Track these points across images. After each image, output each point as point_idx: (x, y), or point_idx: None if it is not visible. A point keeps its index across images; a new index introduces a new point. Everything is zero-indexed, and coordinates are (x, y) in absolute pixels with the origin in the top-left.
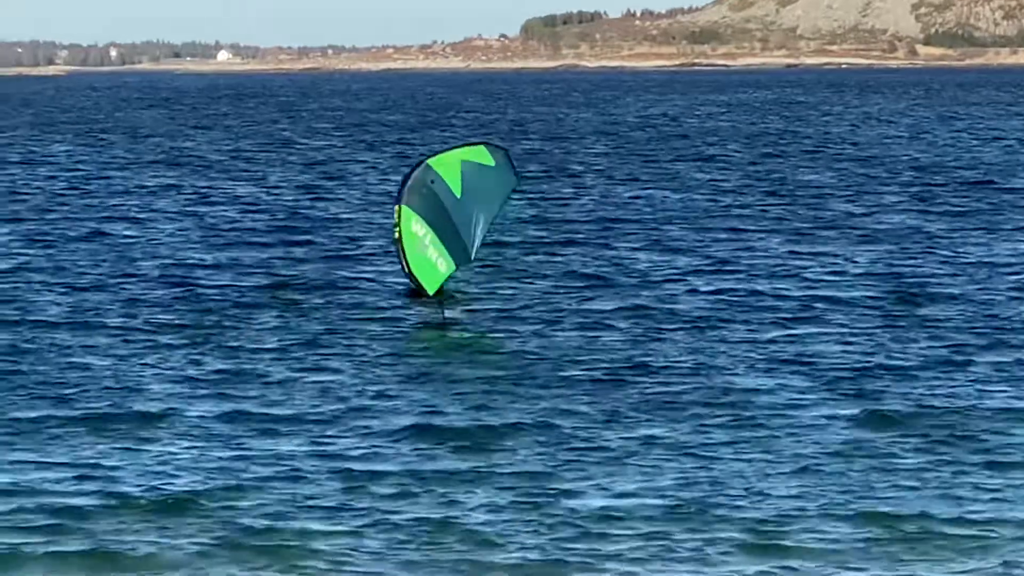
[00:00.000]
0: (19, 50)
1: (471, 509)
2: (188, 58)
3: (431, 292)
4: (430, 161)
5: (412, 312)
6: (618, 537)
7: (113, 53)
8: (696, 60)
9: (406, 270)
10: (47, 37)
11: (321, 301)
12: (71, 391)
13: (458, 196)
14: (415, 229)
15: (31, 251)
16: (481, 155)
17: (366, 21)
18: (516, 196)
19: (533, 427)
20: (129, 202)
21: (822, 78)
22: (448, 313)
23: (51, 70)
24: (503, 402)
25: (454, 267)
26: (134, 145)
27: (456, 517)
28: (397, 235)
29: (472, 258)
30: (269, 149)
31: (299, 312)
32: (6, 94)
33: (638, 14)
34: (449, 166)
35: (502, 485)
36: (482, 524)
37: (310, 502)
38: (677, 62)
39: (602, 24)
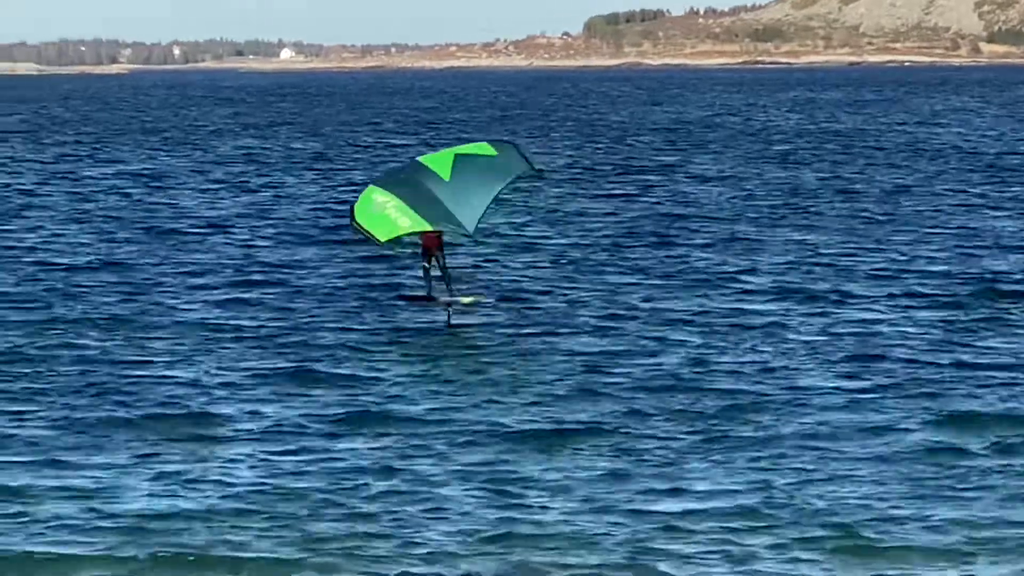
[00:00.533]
0: (83, 48)
1: (543, 511)
2: (251, 56)
3: (382, 240)
4: (421, 158)
5: (478, 312)
6: (692, 538)
7: (176, 51)
8: (759, 58)
9: (352, 225)
10: (110, 36)
11: (386, 300)
12: (137, 392)
13: (446, 179)
14: (375, 198)
15: (98, 250)
16: (481, 149)
17: (429, 19)
18: (531, 178)
19: (602, 429)
20: (196, 201)
21: (886, 76)
22: (513, 313)
23: (114, 68)
24: (570, 403)
25: (427, 226)
26: (200, 143)
27: (528, 519)
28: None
29: (472, 230)
30: (336, 148)
31: (364, 311)
32: (71, 91)
33: (701, 12)
34: (440, 160)
35: (574, 487)
36: (554, 526)
37: (380, 505)
38: (740, 60)
39: (665, 22)
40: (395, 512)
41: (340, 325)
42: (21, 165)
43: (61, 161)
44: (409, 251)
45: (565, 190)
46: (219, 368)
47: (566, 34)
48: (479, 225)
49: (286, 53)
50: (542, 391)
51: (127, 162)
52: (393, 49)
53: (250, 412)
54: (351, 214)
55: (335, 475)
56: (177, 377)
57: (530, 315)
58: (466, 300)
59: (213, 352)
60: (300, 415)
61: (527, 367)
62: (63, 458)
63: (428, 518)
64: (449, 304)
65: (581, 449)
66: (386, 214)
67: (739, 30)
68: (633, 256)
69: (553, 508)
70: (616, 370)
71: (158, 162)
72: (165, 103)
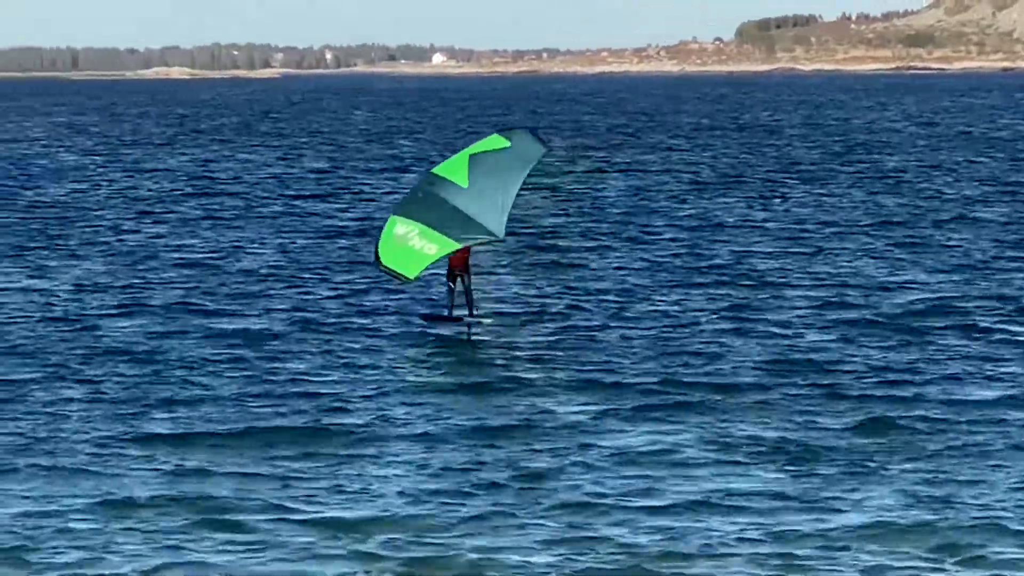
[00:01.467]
0: (235, 53)
1: (706, 526)
2: (403, 61)
3: (411, 277)
4: (435, 169)
5: (638, 323)
6: (871, 552)
7: (328, 56)
8: (911, 64)
9: (380, 267)
10: (263, 40)
11: (556, 308)
12: (291, 399)
13: (464, 186)
14: (396, 231)
15: (259, 255)
16: (494, 143)
17: (581, 24)
18: (547, 159)
19: (765, 439)
20: (351, 206)
21: None
22: (664, 323)
23: (266, 73)
24: (735, 417)
25: (456, 246)
26: (354, 147)
27: (692, 534)
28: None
29: (502, 235)
30: None
31: (515, 323)
32: (230, 95)
33: (853, 17)
34: (454, 165)
35: (737, 503)
36: (717, 542)
37: (537, 518)
38: (892, 66)
39: (817, 28)
40: (552, 526)
41: (495, 333)
42: (182, 170)
43: (218, 163)
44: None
45: (726, 198)
46: (374, 375)
47: (718, 39)
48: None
49: (438, 58)
50: (704, 403)
51: (290, 165)
52: (544, 54)
53: (404, 420)
54: (376, 256)
55: (490, 487)
56: (332, 382)
57: (692, 326)
58: (488, 321)
59: (367, 358)
60: (457, 424)
61: (692, 379)
62: (212, 468)
63: (589, 531)
64: (470, 325)
65: (746, 463)
66: (410, 246)
67: (891, 36)
68: (795, 264)
69: (715, 524)
70: (780, 381)
71: (316, 166)
72: (317, 106)
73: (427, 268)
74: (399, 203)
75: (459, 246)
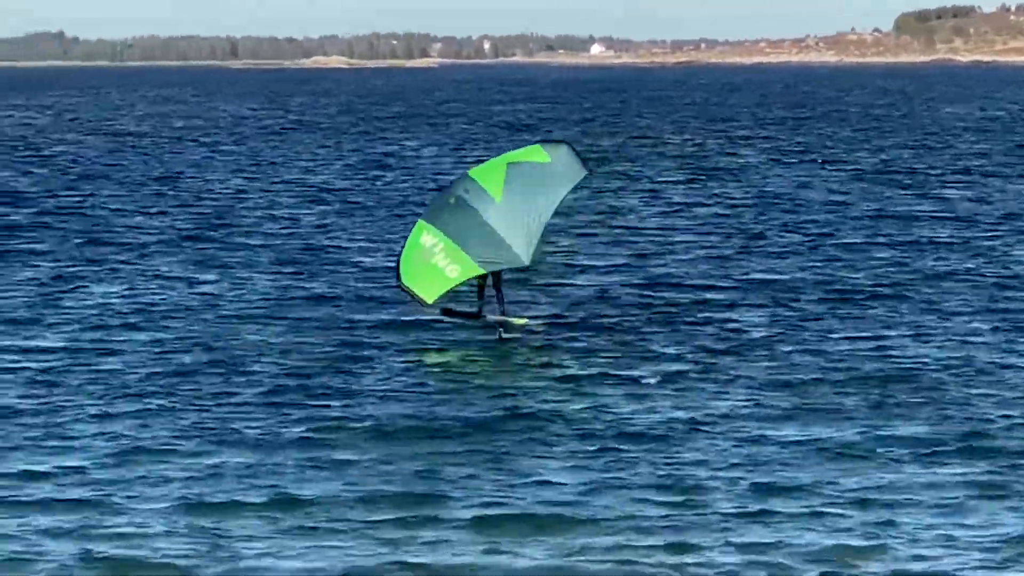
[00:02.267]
0: (394, 42)
1: (888, 529)
2: (561, 51)
3: (429, 301)
4: (471, 171)
5: (827, 313)
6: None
7: (486, 46)
8: None
9: (397, 283)
10: (421, 30)
11: (699, 300)
12: (448, 397)
13: (497, 200)
14: (423, 240)
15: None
16: (534, 154)
17: (739, 15)
18: (585, 184)
19: (940, 439)
20: None
21: None
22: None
23: (423, 62)
24: (903, 415)
25: (479, 271)
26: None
27: (876, 535)
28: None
29: (528, 261)
30: (638, 144)
31: (681, 313)
32: (401, 84)
33: (1012, 9)
34: (491, 171)
35: (916, 500)
36: (901, 541)
37: (684, 524)
38: None
39: (976, 19)
40: (718, 525)
41: (664, 329)
42: (346, 159)
43: (382, 152)
44: None
45: (890, 189)
46: (538, 369)
47: (876, 30)
48: (534, 251)
49: (596, 48)
50: (868, 399)
51: (451, 152)
52: (703, 45)
53: (570, 417)
54: (397, 273)
55: (657, 484)
56: (496, 373)
57: (854, 319)
58: (519, 321)
59: (529, 351)
60: (621, 420)
61: (854, 374)
62: (376, 463)
63: (761, 530)
64: (499, 324)
65: (912, 460)
66: (434, 263)
67: None
68: (961, 258)
69: (886, 521)
70: (945, 377)
71: (477, 155)
72: (480, 96)
73: (448, 292)
74: (430, 206)
75: (481, 272)
